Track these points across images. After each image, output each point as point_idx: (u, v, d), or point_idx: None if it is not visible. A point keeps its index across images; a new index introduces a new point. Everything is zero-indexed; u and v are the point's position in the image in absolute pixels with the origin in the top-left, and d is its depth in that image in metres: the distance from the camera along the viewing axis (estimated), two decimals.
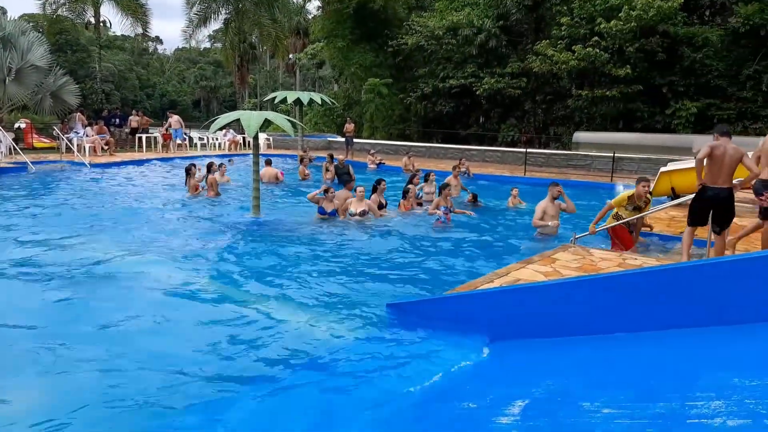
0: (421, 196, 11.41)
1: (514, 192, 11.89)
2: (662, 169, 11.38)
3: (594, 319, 4.14)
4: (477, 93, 25.76)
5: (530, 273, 5.96)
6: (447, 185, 10.02)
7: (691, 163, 11.47)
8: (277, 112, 10.78)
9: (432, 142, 25.63)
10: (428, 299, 5.31)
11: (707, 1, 23.61)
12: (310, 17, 46.23)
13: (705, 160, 6.40)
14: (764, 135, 16.76)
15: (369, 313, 5.47)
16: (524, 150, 19.65)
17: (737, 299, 3.76)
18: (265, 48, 42.49)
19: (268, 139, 25.30)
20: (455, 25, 26.33)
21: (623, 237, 7.75)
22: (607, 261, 6.58)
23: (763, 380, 2.89)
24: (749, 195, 12.45)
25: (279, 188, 13.86)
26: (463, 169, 15.61)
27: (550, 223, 8.41)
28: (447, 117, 28.62)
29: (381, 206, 9.96)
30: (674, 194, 10.79)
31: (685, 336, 3.81)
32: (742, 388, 2.88)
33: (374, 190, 10.05)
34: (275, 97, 20.34)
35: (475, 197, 12.04)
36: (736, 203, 6.62)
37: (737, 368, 3.12)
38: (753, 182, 6.89)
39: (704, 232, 6.86)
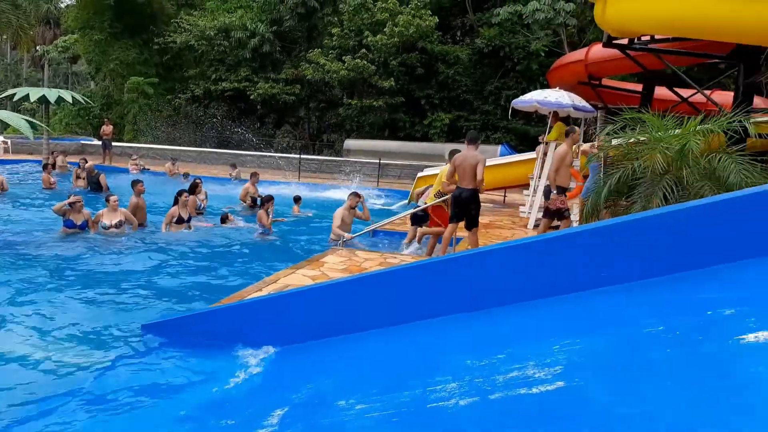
0: (201, 207, 10.86)
1: (298, 200, 11.98)
2: (419, 174, 12.47)
3: (352, 319, 4.30)
4: (251, 97, 25.44)
5: (299, 278, 6.01)
6: (271, 198, 9.71)
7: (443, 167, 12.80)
8: (18, 111, 9.28)
9: (204, 147, 24.64)
10: (189, 315, 5.01)
11: (458, 22, 26.52)
12: (62, 5, 41.08)
13: (453, 168, 7.27)
14: (501, 144, 19.35)
15: (125, 335, 4.99)
16: (299, 156, 19.96)
17: (475, 288, 4.20)
18: (5, 37, 36.62)
19: (5, 143, 21.80)
20: (227, 26, 25.67)
21: (442, 215, 8.14)
22: (370, 261, 6.94)
23: (489, 359, 3.26)
24: (490, 196, 14.27)
25: (6, 198, 11.95)
26: (234, 174, 15.26)
27: (346, 235, 8.37)
28: (220, 121, 27.77)
29: (182, 220, 9.24)
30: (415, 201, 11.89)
31: (431, 326, 4.14)
32: (473, 368, 3.21)
33: (175, 201, 9.32)
34: (14, 94, 17.58)
35: (255, 201, 11.93)
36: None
37: (470, 351, 3.48)
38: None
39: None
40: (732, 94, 9.91)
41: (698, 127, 5.07)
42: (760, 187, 3.39)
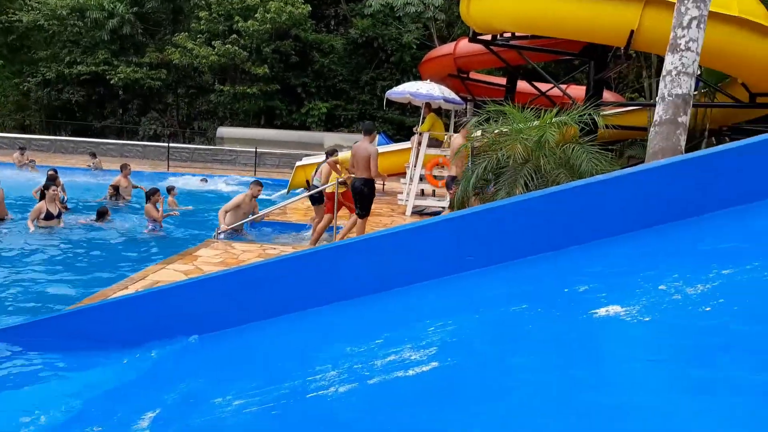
0: (64, 200, 9.95)
1: (173, 192, 11.31)
2: (298, 163, 12.36)
3: (229, 313, 4.18)
4: (112, 82, 23.69)
5: (170, 273, 5.72)
6: (157, 190, 9.02)
7: (322, 158, 12.78)
8: None
9: (60, 135, 22.60)
10: (47, 318, 4.59)
11: (332, 12, 26.46)
12: None
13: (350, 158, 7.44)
14: (379, 133, 19.74)
15: None
16: (167, 144, 18.92)
17: (354, 276, 4.25)
18: None
19: None
20: (82, 5, 23.64)
21: (350, 198, 8.07)
22: (248, 253, 6.78)
23: (368, 345, 3.32)
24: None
25: None
26: (93, 165, 14.26)
27: (222, 226, 8.03)
28: (78, 107, 25.58)
29: (51, 216, 8.32)
30: (309, 186, 11.81)
31: (311, 315, 4.14)
32: (352, 355, 3.25)
33: (42, 195, 8.45)
34: None
35: (116, 191, 11.18)
36: None
37: (350, 338, 3.53)
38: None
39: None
40: (585, 88, 10.84)
41: (553, 120, 5.51)
42: (606, 175, 3.75)
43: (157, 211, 8.87)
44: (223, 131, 22.30)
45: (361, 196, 7.36)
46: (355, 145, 7.48)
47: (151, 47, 24.80)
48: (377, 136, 8.14)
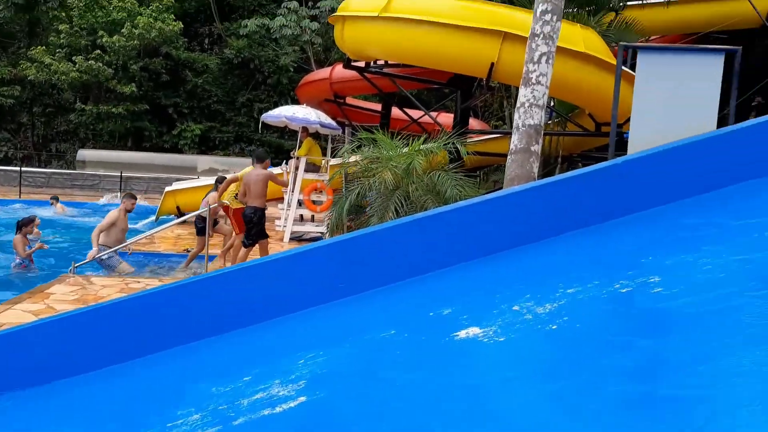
0: None
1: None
2: (167, 188, 11.79)
3: (84, 356, 3.86)
4: None
5: (18, 315, 5.20)
6: (31, 220, 8.03)
7: (194, 182, 12.28)
8: None
9: None
10: None
11: (206, 30, 25.76)
12: None
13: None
14: None
15: None
16: (19, 168, 17.30)
17: (221, 308, 4.10)
18: None
19: None
20: None
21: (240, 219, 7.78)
22: (109, 288, 6.33)
23: (235, 383, 3.22)
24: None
25: None
26: None
27: (89, 255, 7.36)
28: None
29: None
30: (179, 212, 11.31)
31: (178, 354, 3.93)
32: (217, 395, 3.13)
33: None
34: None
35: None
36: None
37: (216, 376, 3.39)
38: None
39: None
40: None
41: (421, 147, 5.74)
42: (465, 201, 3.96)
43: (28, 243, 8.03)
44: (85, 154, 20.73)
45: (250, 224, 7.23)
46: (247, 173, 7.40)
47: (4, 61, 22.69)
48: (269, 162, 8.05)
